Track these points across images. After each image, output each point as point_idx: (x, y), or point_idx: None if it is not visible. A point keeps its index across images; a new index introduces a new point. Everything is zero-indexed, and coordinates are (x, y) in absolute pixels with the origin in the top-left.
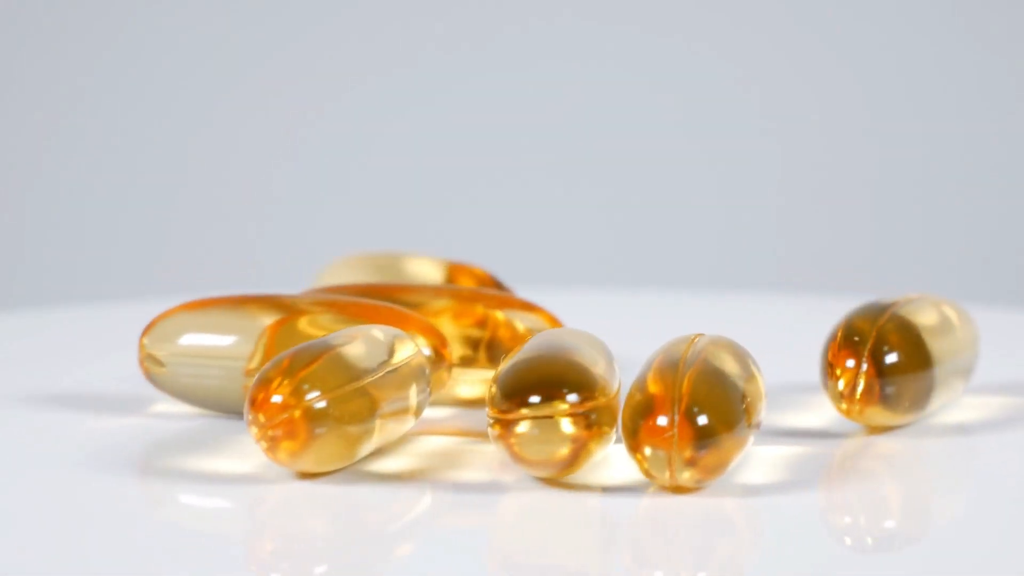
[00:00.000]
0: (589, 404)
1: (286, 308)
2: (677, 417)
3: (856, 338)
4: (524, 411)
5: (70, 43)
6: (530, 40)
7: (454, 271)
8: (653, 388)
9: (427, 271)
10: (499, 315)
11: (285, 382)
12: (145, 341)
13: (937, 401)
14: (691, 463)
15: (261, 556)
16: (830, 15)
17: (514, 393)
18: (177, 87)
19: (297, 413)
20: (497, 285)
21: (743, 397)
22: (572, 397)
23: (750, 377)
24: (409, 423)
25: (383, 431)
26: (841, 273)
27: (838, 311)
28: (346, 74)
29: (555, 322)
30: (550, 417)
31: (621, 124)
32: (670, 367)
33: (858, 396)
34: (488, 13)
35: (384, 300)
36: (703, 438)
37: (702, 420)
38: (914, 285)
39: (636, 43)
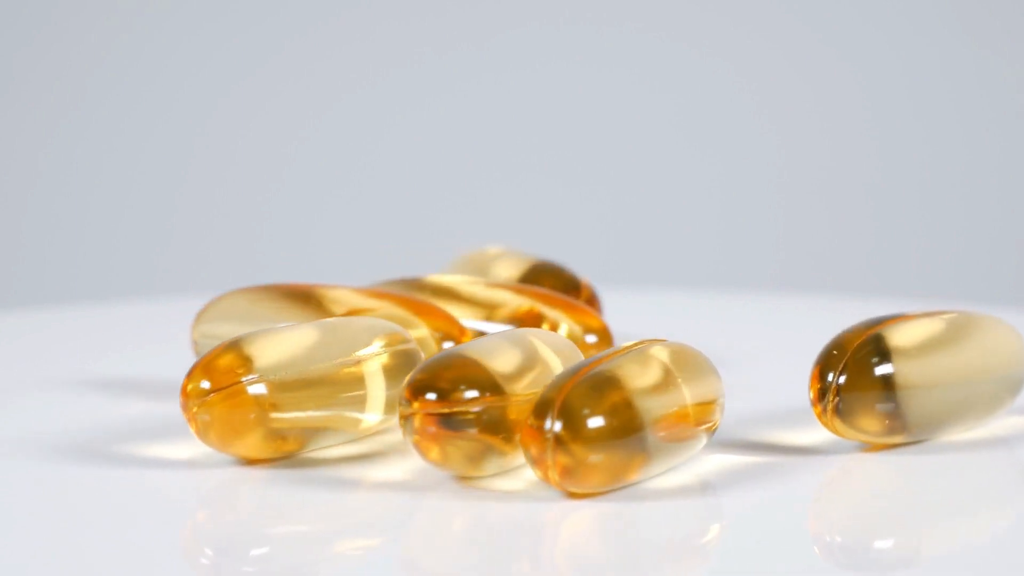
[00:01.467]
0: (459, 405)
1: (311, 297)
2: (552, 421)
3: (835, 352)
4: (400, 409)
5: (71, 42)
6: (531, 41)
7: (536, 270)
8: (547, 391)
9: (507, 270)
10: (548, 316)
11: (191, 373)
12: (193, 323)
13: (951, 421)
14: (558, 467)
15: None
16: (830, 15)
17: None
18: (179, 87)
19: (194, 408)
20: (575, 286)
21: (639, 410)
22: (468, 394)
23: (674, 388)
24: (378, 415)
25: (321, 422)
26: (841, 273)
27: (837, 311)
28: (348, 74)
29: (599, 325)
30: (411, 416)
31: (621, 124)
32: (571, 372)
33: (828, 411)
34: (489, 14)
35: (446, 294)
36: (565, 444)
37: (568, 426)
38: (914, 285)
39: (636, 43)
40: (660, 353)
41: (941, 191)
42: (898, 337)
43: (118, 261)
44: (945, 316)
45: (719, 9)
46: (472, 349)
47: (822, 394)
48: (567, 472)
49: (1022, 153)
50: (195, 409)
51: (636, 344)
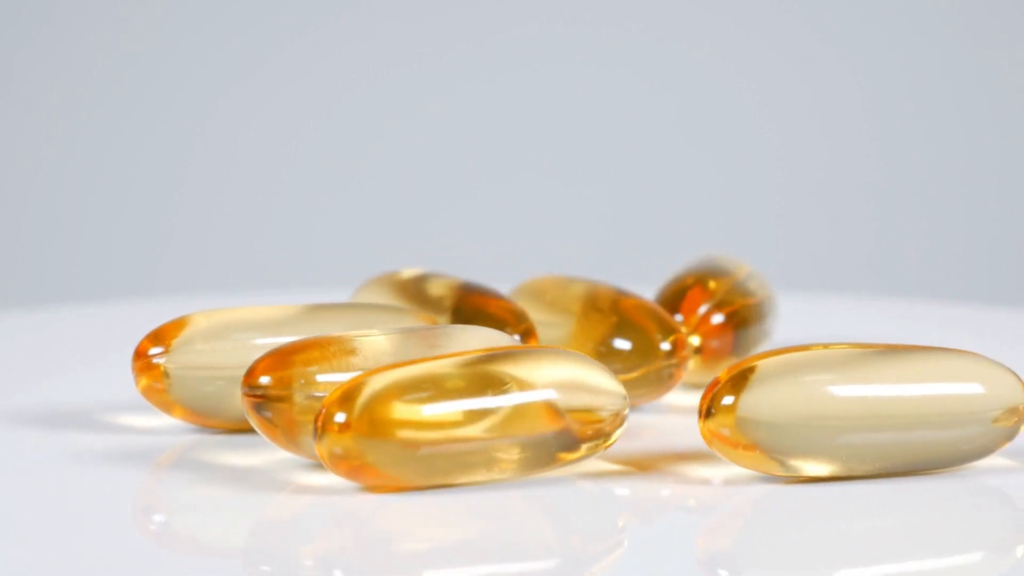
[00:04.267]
0: (261, 388)
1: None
2: (327, 410)
3: (720, 376)
4: None
5: (71, 42)
6: (531, 41)
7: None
8: (347, 381)
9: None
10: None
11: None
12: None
13: (857, 463)
14: (324, 454)
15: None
16: (830, 15)
17: None
18: (179, 87)
19: (133, 374)
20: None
21: (410, 412)
22: (274, 379)
23: (496, 397)
24: None
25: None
26: (841, 273)
27: (838, 311)
28: (348, 74)
29: (658, 323)
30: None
31: (621, 124)
32: (377, 368)
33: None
34: (489, 14)
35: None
36: (329, 434)
37: (339, 417)
38: (914, 285)
39: (636, 43)
40: (518, 358)
41: (941, 191)
42: (772, 368)
43: (118, 261)
44: (887, 349)
45: (719, 9)
46: (327, 338)
47: (699, 415)
48: (331, 461)
49: (1022, 153)
50: (133, 375)
51: (500, 349)
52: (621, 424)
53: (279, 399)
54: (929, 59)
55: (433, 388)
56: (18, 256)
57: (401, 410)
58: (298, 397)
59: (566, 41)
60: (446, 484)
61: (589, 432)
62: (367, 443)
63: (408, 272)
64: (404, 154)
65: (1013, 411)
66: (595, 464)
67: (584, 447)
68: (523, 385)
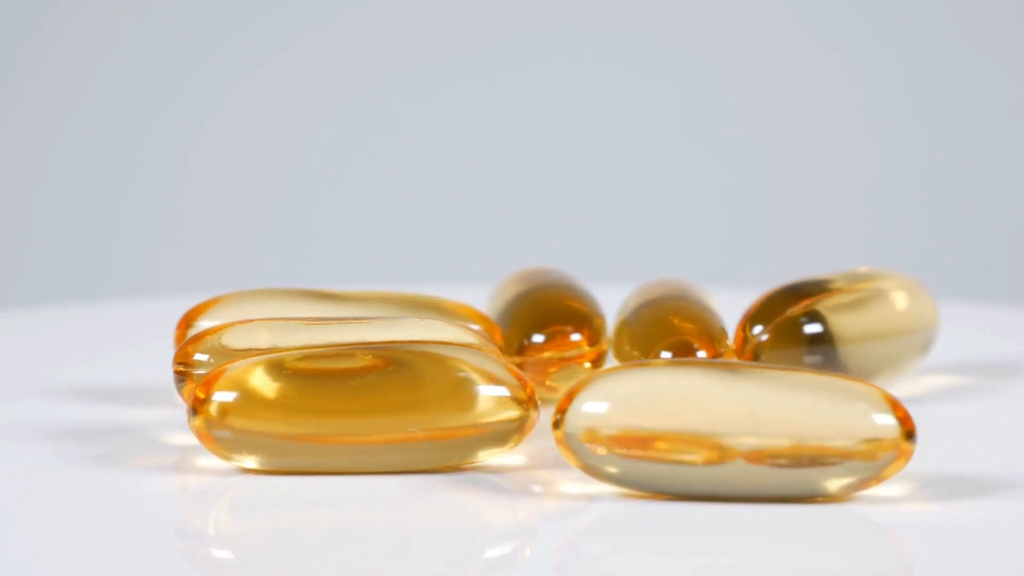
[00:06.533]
0: (183, 365)
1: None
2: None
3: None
4: None
5: (71, 42)
6: (529, 42)
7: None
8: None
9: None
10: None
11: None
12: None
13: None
14: (195, 433)
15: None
16: (830, 15)
17: None
18: (179, 86)
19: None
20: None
21: (264, 397)
22: (198, 356)
23: (366, 391)
24: None
25: None
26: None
27: None
28: (348, 75)
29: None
30: None
31: (620, 125)
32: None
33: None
34: (489, 15)
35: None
36: (195, 412)
37: (206, 400)
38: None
39: (635, 43)
40: (413, 353)
41: (941, 191)
42: (598, 382)
43: (117, 261)
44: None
45: (719, 9)
46: (255, 321)
47: None
48: (200, 440)
49: (1022, 153)
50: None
51: (405, 342)
52: (515, 430)
53: (186, 377)
54: (929, 59)
55: (290, 375)
56: (18, 256)
57: (251, 395)
58: (196, 376)
59: (565, 42)
60: (311, 471)
61: (464, 436)
62: (221, 426)
63: (529, 270)
64: (404, 154)
65: (818, 451)
66: (479, 464)
67: (457, 452)
68: (402, 380)
